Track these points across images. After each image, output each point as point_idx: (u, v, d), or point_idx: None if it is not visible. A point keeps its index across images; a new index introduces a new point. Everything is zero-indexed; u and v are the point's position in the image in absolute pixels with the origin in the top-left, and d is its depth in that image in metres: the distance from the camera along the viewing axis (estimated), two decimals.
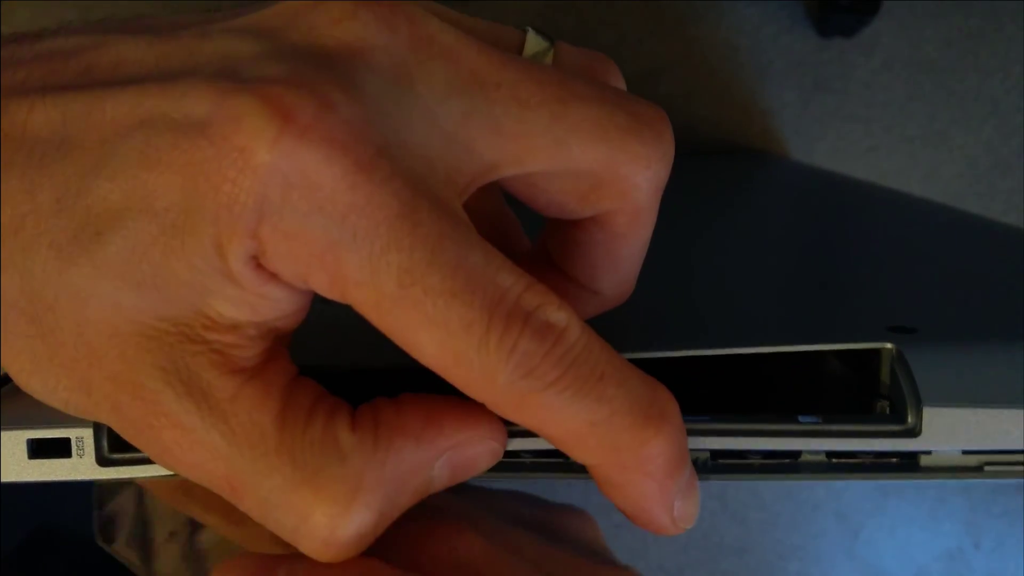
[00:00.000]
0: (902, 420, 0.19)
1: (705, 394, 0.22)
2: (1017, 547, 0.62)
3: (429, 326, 0.16)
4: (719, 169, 0.53)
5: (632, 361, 0.19)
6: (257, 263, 0.16)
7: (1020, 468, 0.20)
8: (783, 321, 0.23)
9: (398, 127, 0.16)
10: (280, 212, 0.15)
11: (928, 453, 0.20)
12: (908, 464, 0.20)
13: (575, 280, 0.21)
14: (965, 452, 0.20)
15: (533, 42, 0.20)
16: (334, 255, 0.15)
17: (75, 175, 0.16)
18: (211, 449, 0.17)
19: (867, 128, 0.59)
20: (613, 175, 0.18)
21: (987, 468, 0.20)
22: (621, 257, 0.20)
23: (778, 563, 0.64)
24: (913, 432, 0.19)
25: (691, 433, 0.19)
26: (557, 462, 0.20)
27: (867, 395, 0.21)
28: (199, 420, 0.17)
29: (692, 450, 0.21)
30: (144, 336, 0.17)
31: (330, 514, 0.17)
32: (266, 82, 0.16)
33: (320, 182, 0.15)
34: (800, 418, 0.19)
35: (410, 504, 0.18)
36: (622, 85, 0.21)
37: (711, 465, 0.21)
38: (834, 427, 0.19)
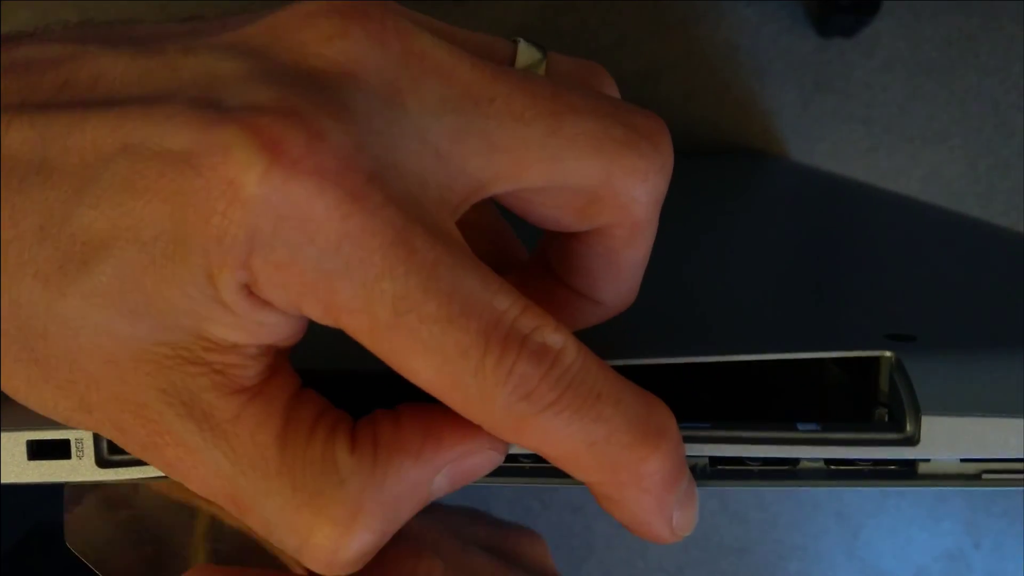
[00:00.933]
0: (901, 429, 0.19)
1: (704, 400, 0.22)
2: (1017, 547, 0.62)
3: (424, 353, 0.16)
4: (719, 169, 0.53)
5: (631, 367, 0.19)
6: (249, 292, 0.16)
7: (1018, 476, 0.20)
8: (782, 327, 0.23)
9: (390, 147, 0.16)
10: (271, 244, 0.15)
11: (927, 461, 0.20)
12: (906, 472, 0.20)
13: (576, 290, 0.20)
14: (963, 460, 0.20)
15: (525, 53, 0.19)
16: (327, 284, 0.15)
17: (57, 201, 0.16)
18: (214, 468, 0.17)
19: (867, 128, 0.59)
20: (610, 189, 0.18)
21: (985, 476, 0.20)
22: (621, 268, 0.20)
23: (778, 563, 0.64)
24: (912, 441, 0.19)
25: (690, 440, 0.19)
26: (555, 467, 0.20)
27: (866, 403, 0.21)
28: (201, 441, 0.17)
29: (690, 456, 0.21)
30: (142, 360, 0.16)
31: (331, 536, 0.17)
32: (253, 111, 0.15)
33: (311, 213, 0.15)
34: (799, 426, 0.19)
35: (410, 517, 0.18)
36: (616, 93, 0.20)
37: (710, 471, 0.20)
38: (832, 435, 0.19)
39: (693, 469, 0.21)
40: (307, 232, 0.15)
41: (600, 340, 0.19)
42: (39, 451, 0.20)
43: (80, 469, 0.20)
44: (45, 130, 0.16)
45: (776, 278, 0.29)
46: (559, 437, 0.16)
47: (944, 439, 0.19)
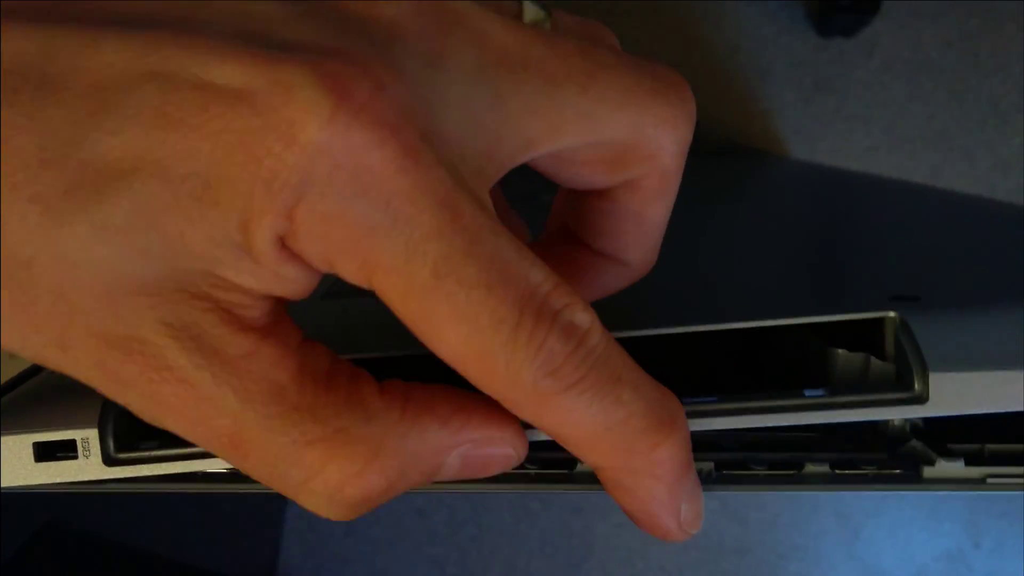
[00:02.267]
0: (909, 388, 0.19)
1: (711, 375, 0.21)
2: (1017, 547, 0.62)
3: (458, 319, 0.15)
4: (719, 169, 0.53)
5: (640, 338, 0.19)
6: (282, 243, 0.15)
7: (1022, 480, 0.20)
8: (786, 300, 0.23)
9: (434, 113, 0.16)
10: (322, 193, 0.15)
11: (932, 465, 0.20)
12: (911, 476, 0.20)
13: (602, 253, 0.20)
14: (968, 464, 0.20)
15: (530, 11, 0.19)
16: (369, 240, 0.15)
17: (65, 122, 0.15)
18: (219, 406, 0.16)
19: (867, 128, 0.59)
20: (641, 140, 0.18)
21: (990, 480, 0.20)
22: (648, 223, 0.20)
23: (778, 563, 0.64)
24: (920, 399, 0.19)
25: (698, 415, 0.19)
26: (561, 473, 0.20)
27: (874, 368, 0.20)
28: (210, 376, 0.16)
29: (696, 462, 0.20)
30: (143, 294, 0.16)
31: (346, 472, 0.16)
32: (317, 52, 0.15)
33: (369, 164, 0.14)
34: (806, 392, 0.19)
35: (416, 485, 0.18)
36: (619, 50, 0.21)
37: (715, 476, 0.20)
38: (840, 399, 0.19)
39: (699, 475, 0.20)
40: (361, 184, 0.15)
41: (610, 314, 0.18)
42: (45, 452, 0.19)
43: (87, 469, 0.19)
44: (47, 44, 0.15)
45: (780, 262, 0.29)
46: (579, 418, 0.16)
47: (953, 396, 0.19)
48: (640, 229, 0.20)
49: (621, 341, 0.20)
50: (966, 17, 0.57)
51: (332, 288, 0.26)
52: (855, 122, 0.59)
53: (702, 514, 0.19)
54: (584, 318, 0.16)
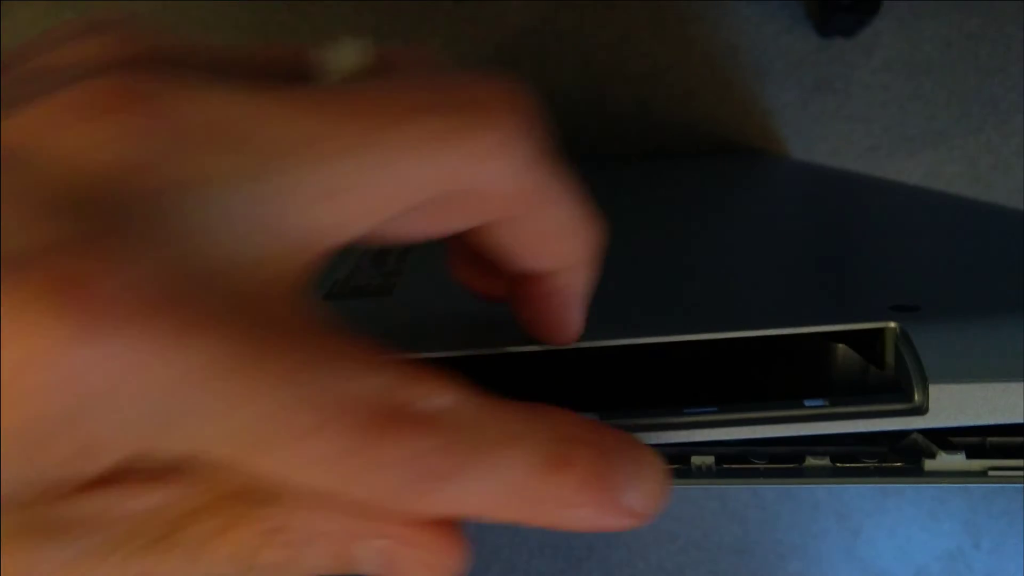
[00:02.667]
0: (909, 399, 0.19)
1: (710, 384, 0.21)
2: (1017, 547, 0.62)
3: (304, 465, 0.14)
4: (719, 169, 0.53)
5: (638, 347, 0.19)
6: (76, 464, 0.13)
7: (1023, 474, 0.20)
8: (786, 308, 0.23)
9: (202, 250, 0.13)
10: (86, 418, 0.12)
11: (933, 458, 0.20)
12: (912, 469, 0.20)
13: (542, 272, 0.18)
14: (969, 457, 0.20)
15: (337, 57, 0.16)
16: (168, 442, 0.13)
17: None
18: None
19: (867, 128, 0.59)
20: (462, 187, 0.15)
21: (991, 473, 0.20)
22: (553, 233, 0.17)
23: (778, 563, 0.64)
24: (920, 410, 0.19)
25: (699, 425, 0.19)
26: None
27: (874, 381, 0.21)
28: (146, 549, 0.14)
29: (696, 456, 0.20)
30: None
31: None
32: (36, 251, 0.12)
33: (132, 367, 0.12)
34: (806, 402, 0.19)
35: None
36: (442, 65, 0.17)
37: (715, 470, 0.20)
38: (840, 409, 0.19)
39: (699, 469, 0.20)
40: (131, 391, 0.12)
41: (602, 323, 0.18)
42: None
43: None
44: None
45: (779, 265, 0.29)
46: (471, 499, 0.15)
47: (953, 407, 0.19)
48: (552, 238, 0.17)
49: (619, 349, 0.20)
50: (966, 17, 0.57)
51: (332, 291, 0.26)
52: (855, 122, 0.59)
53: (660, 489, 0.16)
54: (442, 401, 0.14)
